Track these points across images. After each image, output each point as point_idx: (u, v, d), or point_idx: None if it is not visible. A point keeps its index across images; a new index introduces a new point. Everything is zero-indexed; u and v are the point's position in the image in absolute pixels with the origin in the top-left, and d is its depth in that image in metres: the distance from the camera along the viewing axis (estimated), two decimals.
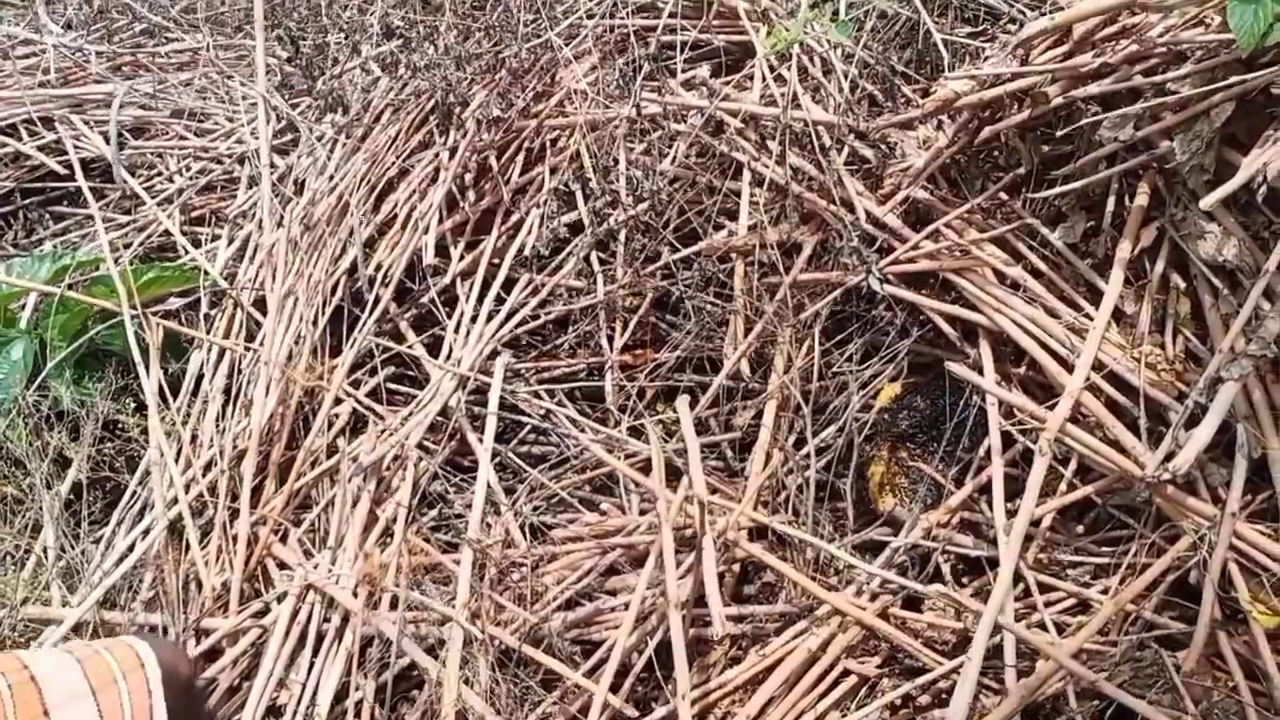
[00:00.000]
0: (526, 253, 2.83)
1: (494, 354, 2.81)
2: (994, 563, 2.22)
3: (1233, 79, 2.06)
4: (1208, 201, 1.94)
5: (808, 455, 2.61)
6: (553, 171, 2.93)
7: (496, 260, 2.92)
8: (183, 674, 1.70)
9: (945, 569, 2.37)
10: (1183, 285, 2.24)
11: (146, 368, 2.84)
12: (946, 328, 2.47)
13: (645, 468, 2.56)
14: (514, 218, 2.95)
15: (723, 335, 2.75)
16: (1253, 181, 1.92)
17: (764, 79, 2.90)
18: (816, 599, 2.29)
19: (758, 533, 2.53)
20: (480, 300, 2.85)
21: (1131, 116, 2.20)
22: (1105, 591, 2.18)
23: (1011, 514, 2.17)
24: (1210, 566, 1.99)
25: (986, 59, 2.45)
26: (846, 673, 2.22)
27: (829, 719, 2.18)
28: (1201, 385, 2.02)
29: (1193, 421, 2.06)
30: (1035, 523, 2.24)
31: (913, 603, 2.32)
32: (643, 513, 2.56)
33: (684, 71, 3.04)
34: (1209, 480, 2.10)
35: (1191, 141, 2.14)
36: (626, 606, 2.24)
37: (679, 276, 2.78)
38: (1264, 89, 2.05)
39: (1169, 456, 2.04)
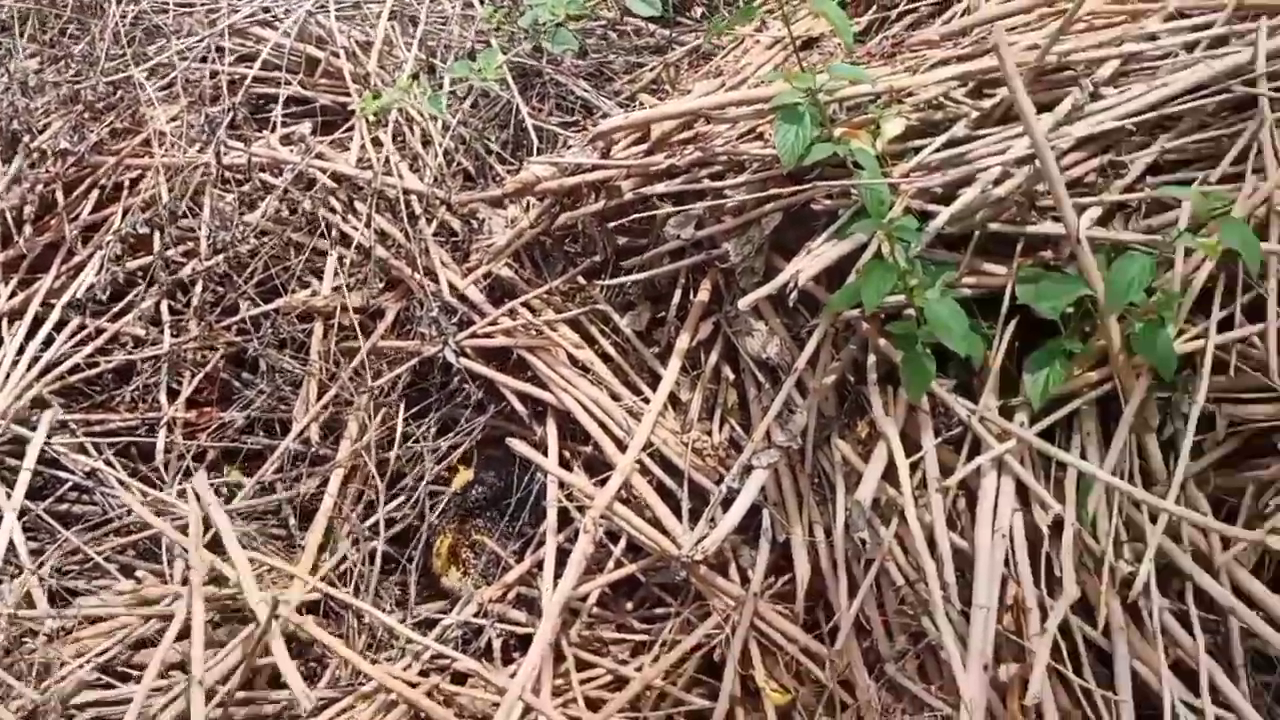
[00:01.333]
0: (81, 295, 2.61)
1: (43, 404, 2.57)
2: None
3: (782, 191, 2.24)
4: (745, 301, 2.08)
5: (374, 526, 2.55)
6: (125, 213, 2.74)
7: (53, 301, 2.69)
8: None
9: (496, 644, 2.36)
10: (732, 377, 2.38)
11: None
12: (518, 405, 2.49)
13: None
14: (76, 258, 2.73)
15: (296, 396, 2.65)
16: (786, 286, 2.07)
17: (361, 142, 2.87)
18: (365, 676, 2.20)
19: (313, 607, 2.44)
20: (26, 342, 2.60)
21: (694, 216, 2.34)
22: (641, 669, 2.24)
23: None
24: (732, 645, 2.09)
25: (569, 148, 2.54)
26: None
27: None
28: (735, 471, 2.14)
29: (728, 505, 2.17)
30: (584, 599, 2.28)
31: (464, 678, 2.30)
32: (185, 581, 2.39)
33: (284, 126, 2.95)
34: (740, 561, 2.21)
35: (744, 245, 2.29)
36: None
37: (255, 333, 2.66)
38: (807, 203, 2.24)
39: (703, 538, 2.14)
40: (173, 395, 2.66)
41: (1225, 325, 2.03)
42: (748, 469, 2.15)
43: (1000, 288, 2.11)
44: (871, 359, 2.18)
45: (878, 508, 2.07)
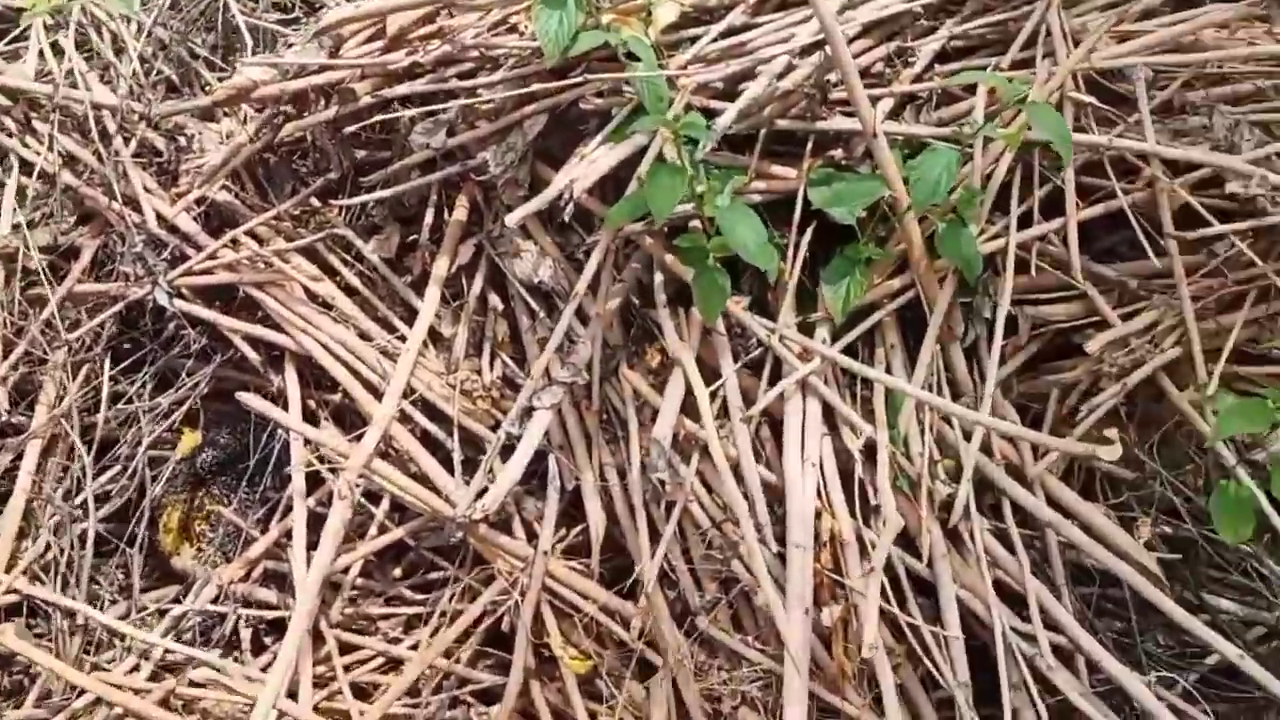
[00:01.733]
0: None
1: None
2: None
3: (546, 87, 1.95)
4: (512, 218, 1.80)
5: (83, 505, 2.14)
6: None
7: None
8: None
9: (245, 634, 2.03)
10: (501, 306, 2.09)
11: None
12: (249, 351, 2.13)
13: None
14: None
15: None
16: (560, 199, 1.80)
17: (39, 48, 2.39)
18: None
19: (14, 609, 2.04)
20: None
21: (444, 122, 2.01)
22: (417, 646, 1.96)
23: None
24: (523, 610, 1.84)
25: (290, 47, 2.15)
26: None
27: None
28: (514, 414, 1.87)
29: (507, 453, 1.91)
30: (344, 571, 1.98)
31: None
32: None
33: None
34: (524, 515, 1.96)
35: (505, 154, 1.99)
36: None
37: None
38: (575, 101, 1.97)
39: (482, 493, 1.87)
40: None
41: (1024, 222, 1.91)
42: (528, 411, 1.88)
43: (791, 192, 1.91)
44: (659, 278, 1.95)
45: (676, 444, 1.85)
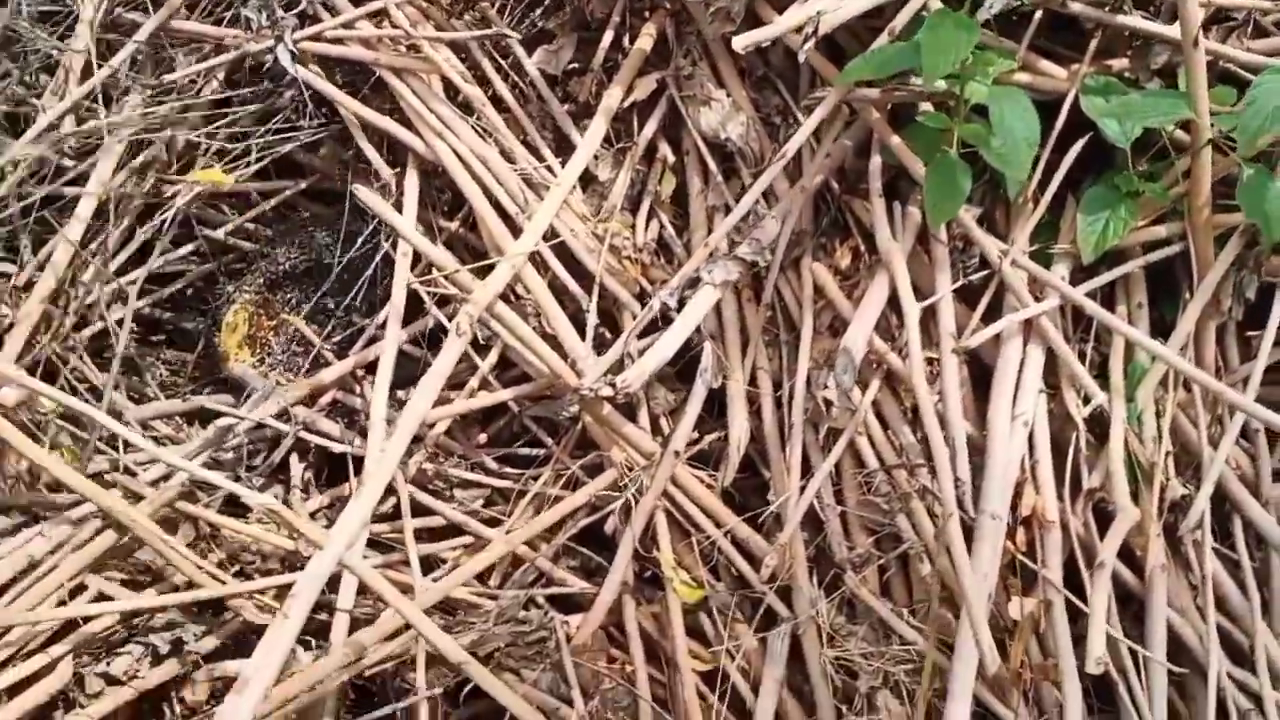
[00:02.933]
0: None
1: None
2: (361, 463, 1.61)
3: None
4: (744, 40, 1.44)
5: (126, 286, 1.84)
6: None
7: None
8: None
9: (297, 468, 1.74)
10: (671, 159, 1.76)
11: None
12: (367, 146, 1.80)
13: None
14: None
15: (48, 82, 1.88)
16: (803, 29, 1.45)
17: None
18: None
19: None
20: None
21: None
22: (496, 524, 1.65)
23: (399, 406, 1.58)
24: (634, 516, 1.53)
25: None
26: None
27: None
28: (677, 283, 1.54)
29: (651, 328, 1.59)
30: (430, 424, 1.67)
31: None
32: None
33: None
34: (653, 406, 1.63)
35: None
36: None
37: None
38: None
39: (616, 368, 1.55)
40: None
41: None
42: (692, 283, 1.56)
43: (1059, 94, 1.56)
44: (875, 162, 1.60)
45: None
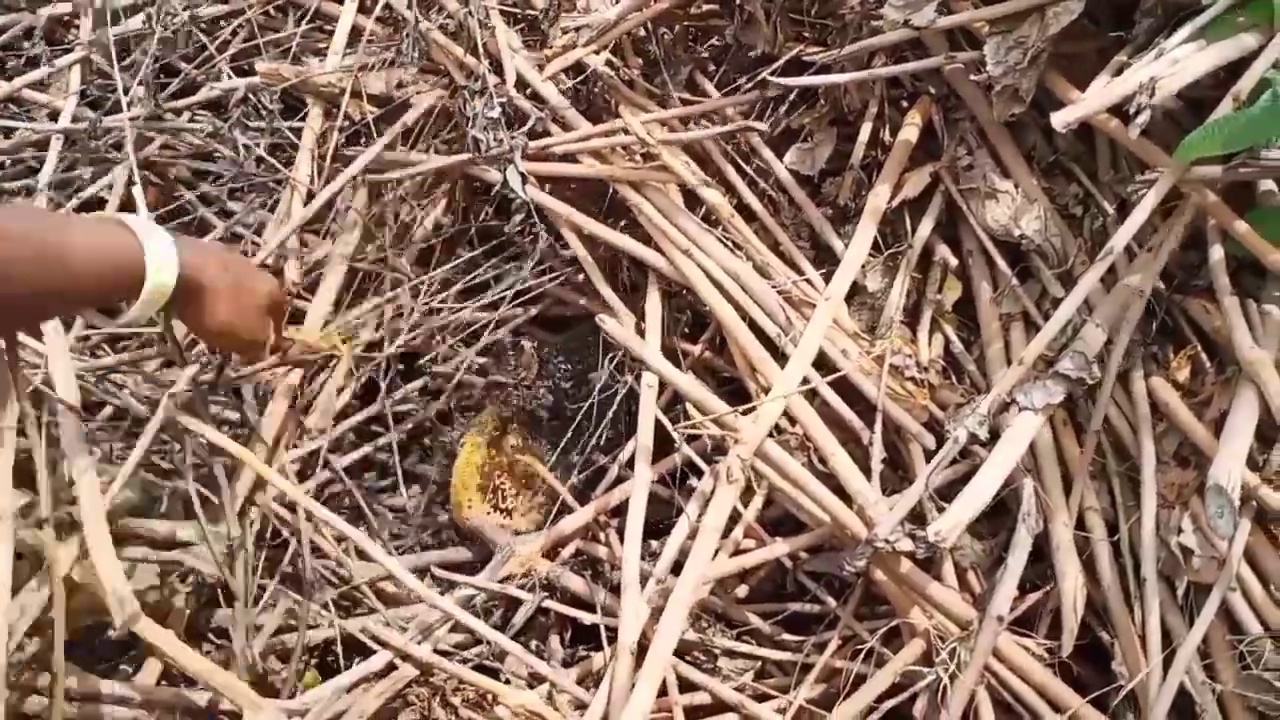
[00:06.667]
0: None
1: None
2: (613, 632, 1.39)
3: None
4: (1063, 117, 1.20)
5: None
6: None
7: None
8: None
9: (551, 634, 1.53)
10: (952, 262, 1.51)
11: None
12: (594, 272, 1.61)
13: None
14: None
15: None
16: (1129, 104, 1.20)
17: None
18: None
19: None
20: None
21: None
22: (765, 699, 1.39)
23: (650, 558, 1.35)
24: (951, 697, 1.25)
25: None
26: None
27: None
28: (986, 408, 1.28)
29: (955, 464, 1.33)
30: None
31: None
32: None
33: None
34: (958, 559, 1.36)
35: (1010, 50, 1.41)
36: None
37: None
38: None
39: (913, 514, 1.29)
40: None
41: None
42: (1005, 407, 1.29)
43: None
44: (1216, 253, 1.32)
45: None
